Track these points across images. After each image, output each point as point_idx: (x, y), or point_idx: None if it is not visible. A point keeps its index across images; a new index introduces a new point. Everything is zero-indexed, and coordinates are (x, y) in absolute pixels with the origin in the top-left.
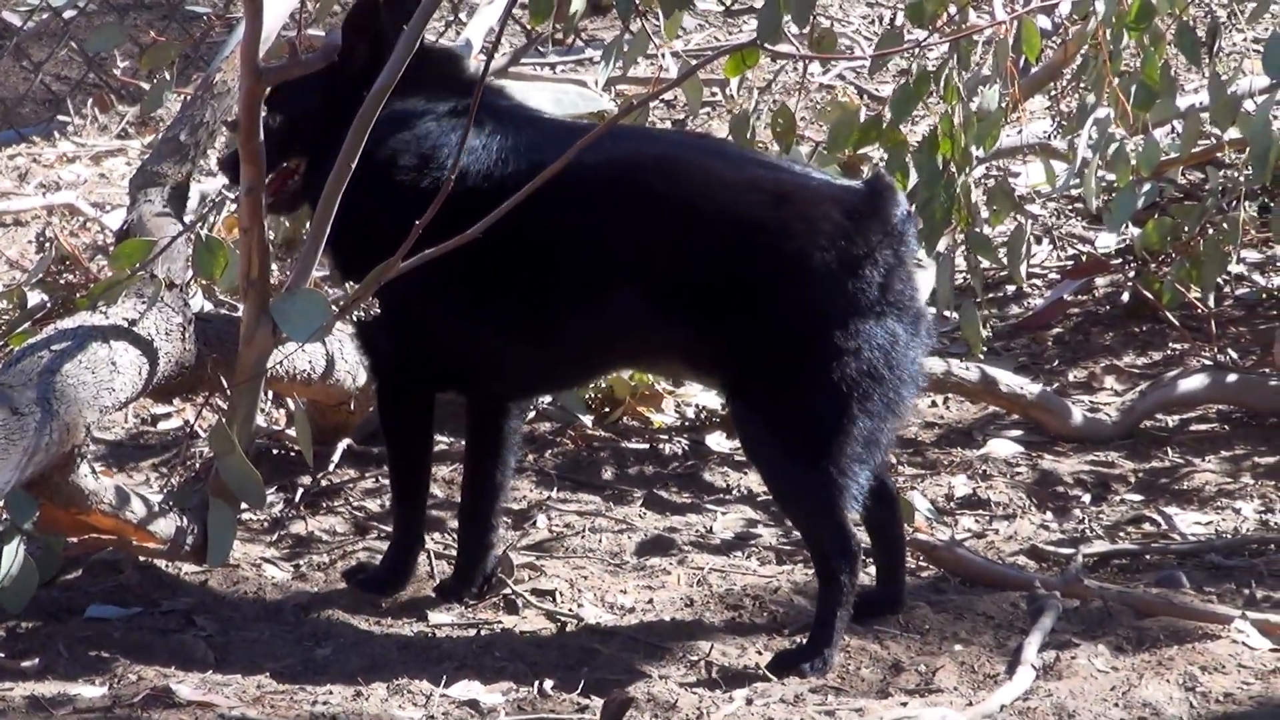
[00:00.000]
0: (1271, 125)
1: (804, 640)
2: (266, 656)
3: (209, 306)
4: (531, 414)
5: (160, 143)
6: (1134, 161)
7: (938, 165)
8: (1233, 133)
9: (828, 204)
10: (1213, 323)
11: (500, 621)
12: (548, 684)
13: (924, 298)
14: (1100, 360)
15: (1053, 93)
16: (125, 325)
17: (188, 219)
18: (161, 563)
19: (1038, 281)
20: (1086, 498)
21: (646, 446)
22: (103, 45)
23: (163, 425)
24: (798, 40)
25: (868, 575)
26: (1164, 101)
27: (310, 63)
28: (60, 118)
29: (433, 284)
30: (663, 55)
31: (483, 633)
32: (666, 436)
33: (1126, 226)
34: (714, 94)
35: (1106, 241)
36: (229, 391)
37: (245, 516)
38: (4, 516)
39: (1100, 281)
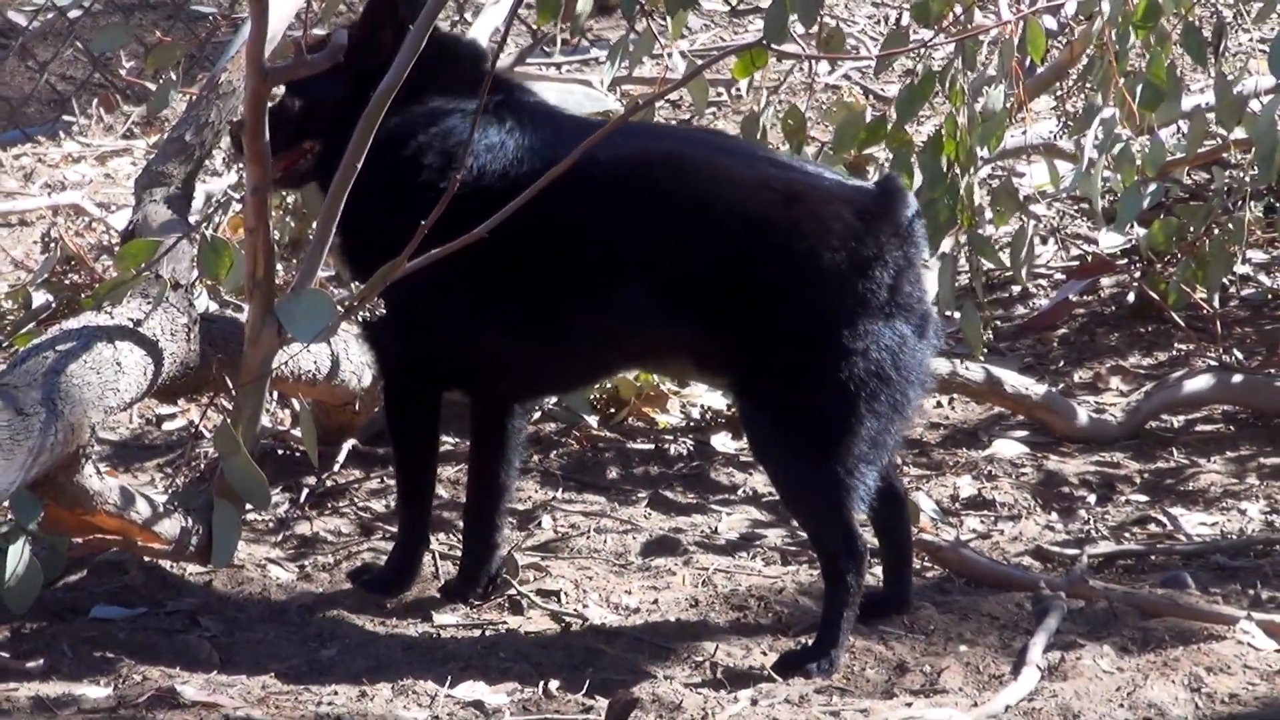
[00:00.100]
0: (1277, 125)
1: (809, 641)
2: (271, 657)
3: (214, 307)
4: (536, 415)
5: (165, 143)
6: (1139, 162)
7: (942, 166)
8: (1238, 133)
9: (839, 204)
10: (1218, 323)
11: (505, 622)
12: (553, 684)
13: (931, 299)
14: (1105, 361)
15: (1058, 93)
16: (130, 326)
17: (193, 219)
18: (166, 563)
19: (1043, 282)
20: (1092, 498)
21: (651, 447)
22: (108, 45)
23: (167, 426)
24: (804, 40)
25: (873, 576)
26: (1170, 102)
27: (316, 62)
28: (65, 117)
29: (441, 283)
30: (668, 55)
31: (488, 633)
32: (671, 437)
33: (1132, 227)
34: (719, 94)
35: (1112, 242)
36: (234, 392)
37: (250, 517)
38: (9, 517)
39: (1106, 282)
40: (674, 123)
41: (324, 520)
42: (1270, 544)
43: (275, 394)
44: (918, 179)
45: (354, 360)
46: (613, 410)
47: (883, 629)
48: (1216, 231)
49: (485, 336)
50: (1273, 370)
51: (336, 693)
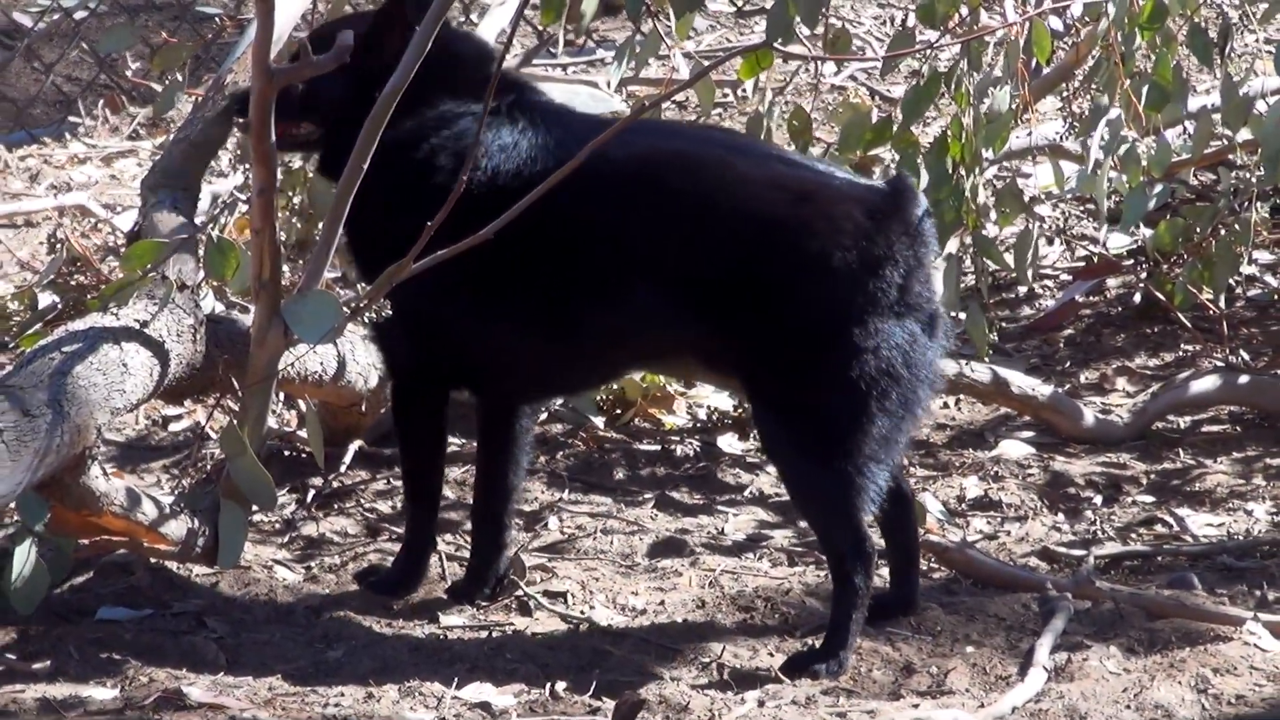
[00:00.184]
0: None
1: (816, 642)
2: (278, 658)
3: (220, 308)
4: (543, 416)
5: (172, 143)
6: (1145, 162)
7: (947, 167)
8: (1245, 134)
9: (850, 203)
10: (1224, 324)
11: (512, 623)
12: (559, 686)
13: (939, 299)
14: (1112, 362)
15: (1064, 94)
16: (136, 327)
17: (199, 220)
18: (172, 564)
19: (1049, 283)
20: (1098, 499)
21: (658, 448)
22: (114, 46)
23: (174, 427)
24: (810, 41)
25: (880, 577)
26: (1175, 102)
27: (323, 63)
28: (71, 119)
29: (450, 283)
30: (674, 56)
31: (494, 634)
32: (678, 438)
33: (1138, 228)
34: (725, 95)
35: (1118, 243)
36: (240, 393)
37: (256, 518)
38: (15, 518)
39: (1112, 283)
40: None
41: (330, 521)
42: (1277, 545)
43: (281, 395)
44: (923, 180)
45: (360, 361)
46: (619, 411)
47: (889, 630)
48: (1223, 232)
49: (494, 336)
50: (1279, 371)
51: (343, 694)
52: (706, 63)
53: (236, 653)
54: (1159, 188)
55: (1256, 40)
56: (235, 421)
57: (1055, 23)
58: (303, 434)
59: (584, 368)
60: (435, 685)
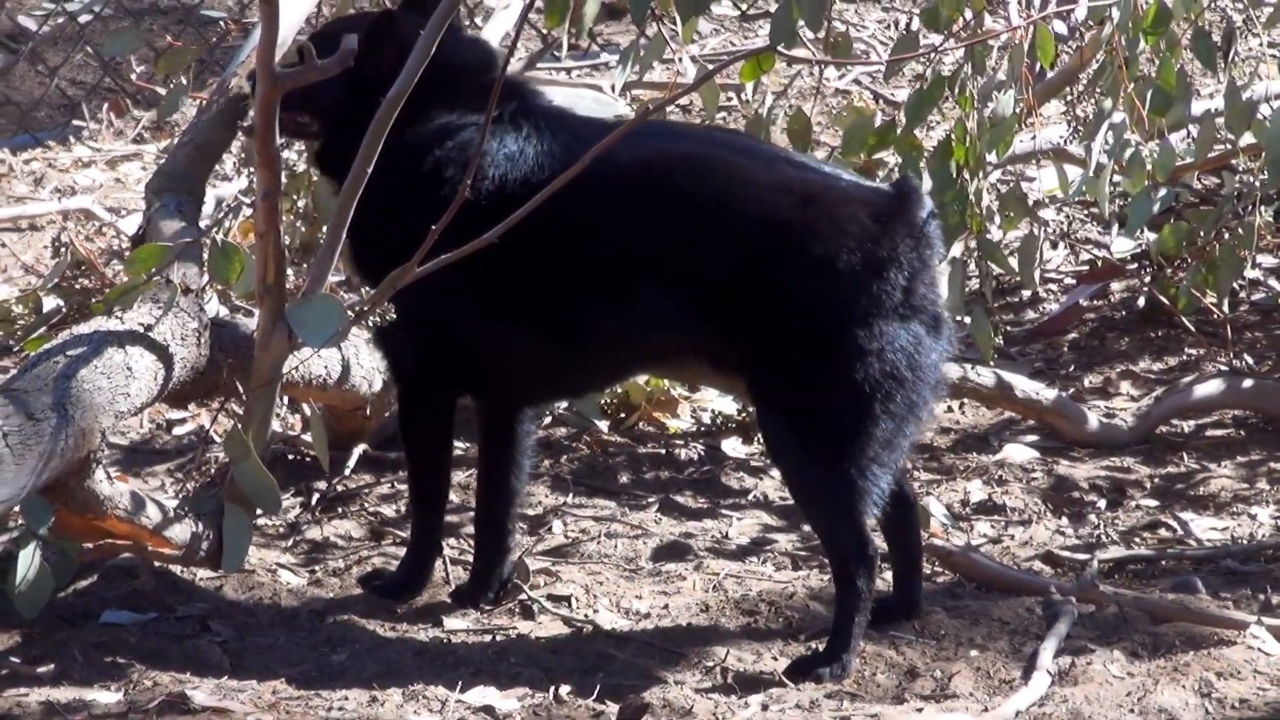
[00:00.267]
0: None
1: (820, 646)
2: (282, 662)
3: (225, 312)
4: (547, 419)
5: (176, 147)
6: (1149, 167)
7: (951, 171)
8: (1248, 138)
9: (855, 206)
10: (1228, 328)
11: (516, 627)
12: (563, 689)
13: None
14: (1116, 365)
15: (1068, 98)
16: (141, 330)
17: (204, 224)
18: (177, 568)
19: (1053, 287)
20: (1102, 503)
21: (662, 452)
22: (118, 50)
23: (178, 430)
24: (814, 45)
25: (884, 581)
26: (1179, 106)
27: (327, 67)
28: (76, 122)
29: (457, 287)
30: (679, 60)
31: (498, 638)
32: (682, 442)
33: (1142, 232)
34: (729, 99)
35: (1122, 247)
36: (245, 397)
37: (261, 522)
38: (20, 522)
39: (1116, 287)
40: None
41: (334, 525)
42: None
43: (286, 399)
44: (927, 183)
45: (365, 365)
46: (623, 415)
47: (893, 634)
48: (1227, 236)
49: (501, 340)
50: None
51: (347, 698)
52: (711, 66)
53: (240, 656)
54: (1163, 192)
55: (1260, 44)
56: (239, 425)
57: (1059, 27)
58: (307, 438)
59: (590, 370)
60: (439, 689)
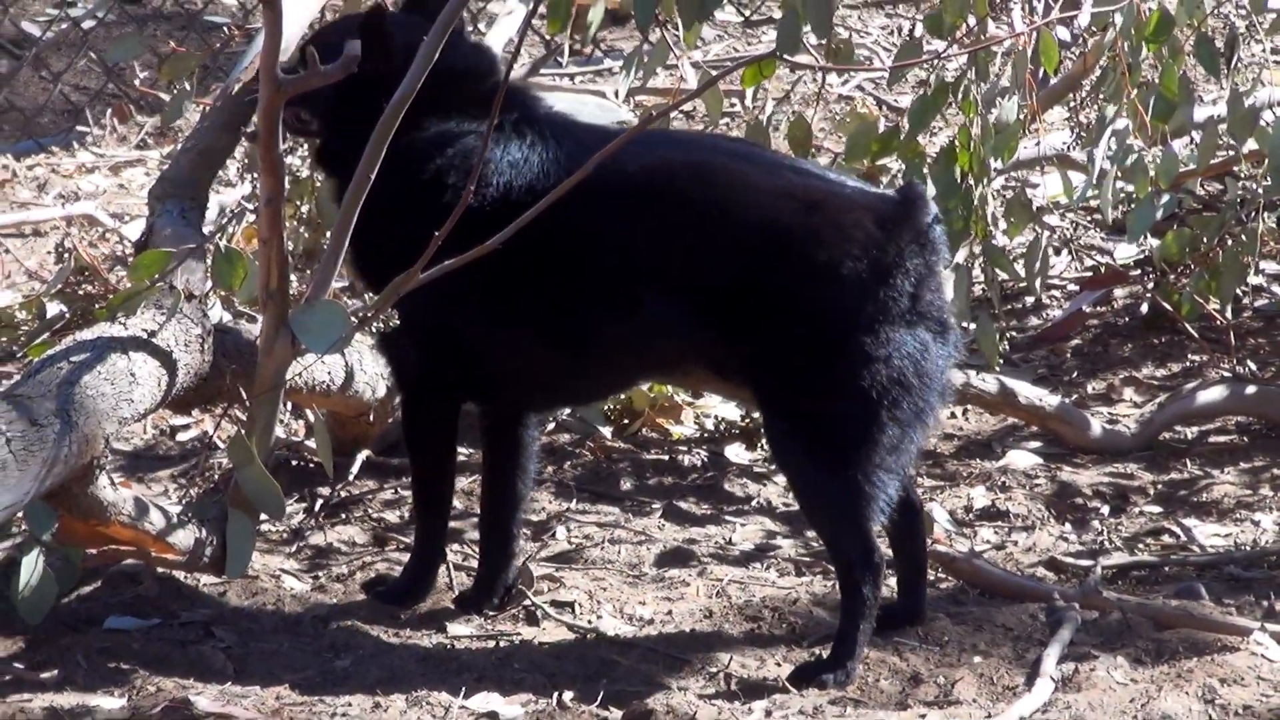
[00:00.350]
0: None
1: (823, 652)
2: (285, 668)
3: (228, 317)
4: (550, 426)
5: (179, 153)
6: (1152, 173)
7: (955, 177)
8: (1251, 144)
9: (860, 212)
10: (1231, 334)
11: (519, 633)
12: (567, 695)
13: (950, 308)
14: (1119, 372)
15: (1071, 104)
16: (144, 336)
17: (207, 229)
18: (180, 574)
19: (1056, 293)
20: (1105, 509)
21: (666, 458)
22: (122, 55)
23: (181, 436)
24: (816, 51)
25: (888, 587)
26: (1182, 113)
27: (330, 73)
28: (79, 128)
29: (461, 293)
30: (682, 66)
31: (502, 644)
32: (685, 448)
33: (1145, 238)
34: (733, 104)
35: (1125, 253)
36: (248, 402)
37: (264, 528)
38: (23, 528)
39: (1119, 293)
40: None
41: (338, 531)
42: None
43: (289, 405)
44: (931, 190)
45: (368, 371)
46: (627, 421)
47: (897, 640)
48: (1230, 242)
49: (505, 346)
50: None
51: (350, 704)
52: (714, 72)
53: (244, 662)
54: (1166, 198)
55: (1263, 50)
56: (243, 431)
57: (1062, 33)
58: (310, 443)
59: (593, 377)
60: (443, 695)
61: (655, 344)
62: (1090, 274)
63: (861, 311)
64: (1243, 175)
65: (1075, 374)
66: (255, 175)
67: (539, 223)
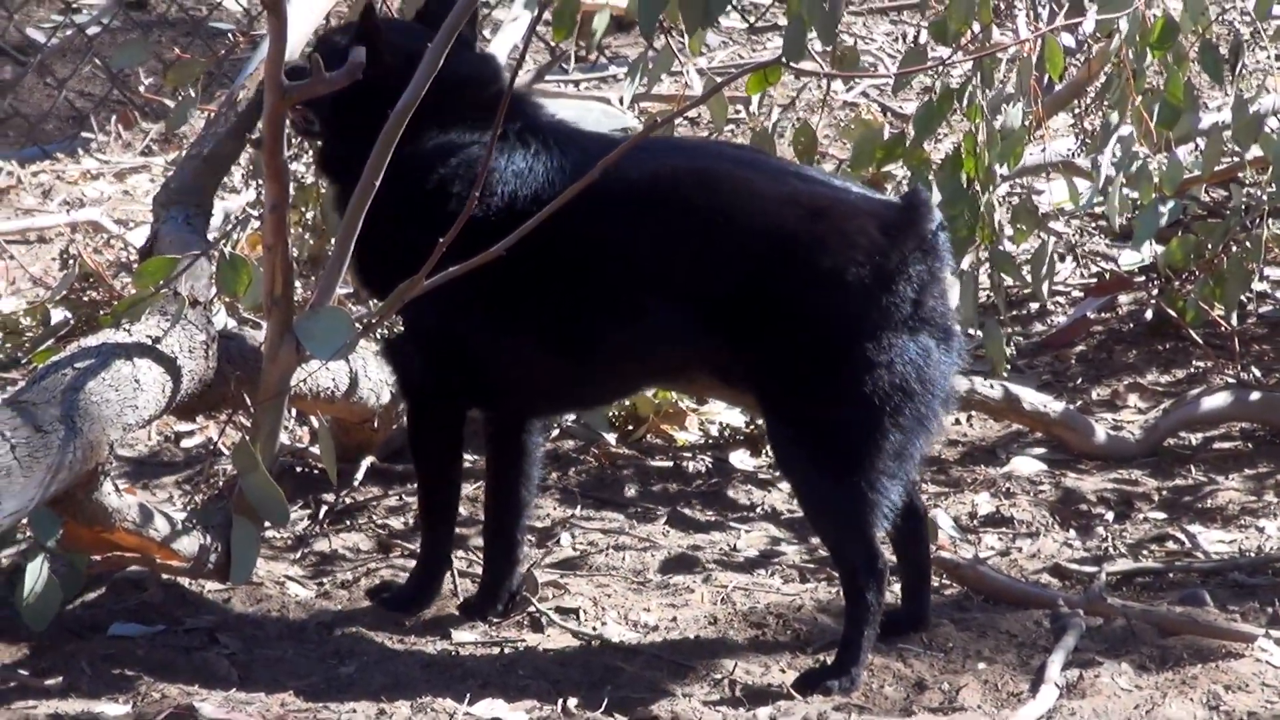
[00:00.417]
0: None
1: (828, 658)
2: (290, 675)
3: (232, 324)
4: (555, 432)
5: (184, 160)
6: (1157, 179)
7: (961, 183)
8: (1255, 150)
9: (864, 218)
10: (1236, 340)
11: (524, 640)
12: (571, 702)
13: (954, 314)
14: (1123, 378)
15: (1076, 111)
16: (149, 343)
17: (211, 236)
18: (185, 580)
19: (1061, 299)
20: (1110, 516)
21: (670, 464)
22: (127, 62)
23: (186, 443)
24: (821, 58)
25: (892, 594)
26: (1187, 119)
27: (334, 79)
28: (84, 134)
29: (466, 300)
30: (687, 72)
31: (506, 651)
32: (690, 454)
33: (1150, 244)
34: (738, 111)
35: (1130, 259)
36: (252, 409)
37: (268, 534)
38: (28, 534)
39: (1124, 299)
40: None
41: (342, 537)
42: None
43: (294, 411)
44: (936, 196)
45: (372, 378)
46: (631, 428)
47: (901, 646)
48: (1234, 249)
49: (509, 353)
50: None
51: (355, 710)
52: (719, 79)
53: (248, 669)
54: (1170, 204)
55: (1268, 57)
56: (247, 438)
57: (1067, 40)
58: (315, 450)
59: (598, 383)
60: (447, 701)
61: (660, 350)
62: (1095, 280)
63: (865, 318)
64: (1247, 182)
65: (1080, 380)
66: (260, 182)
67: (544, 230)
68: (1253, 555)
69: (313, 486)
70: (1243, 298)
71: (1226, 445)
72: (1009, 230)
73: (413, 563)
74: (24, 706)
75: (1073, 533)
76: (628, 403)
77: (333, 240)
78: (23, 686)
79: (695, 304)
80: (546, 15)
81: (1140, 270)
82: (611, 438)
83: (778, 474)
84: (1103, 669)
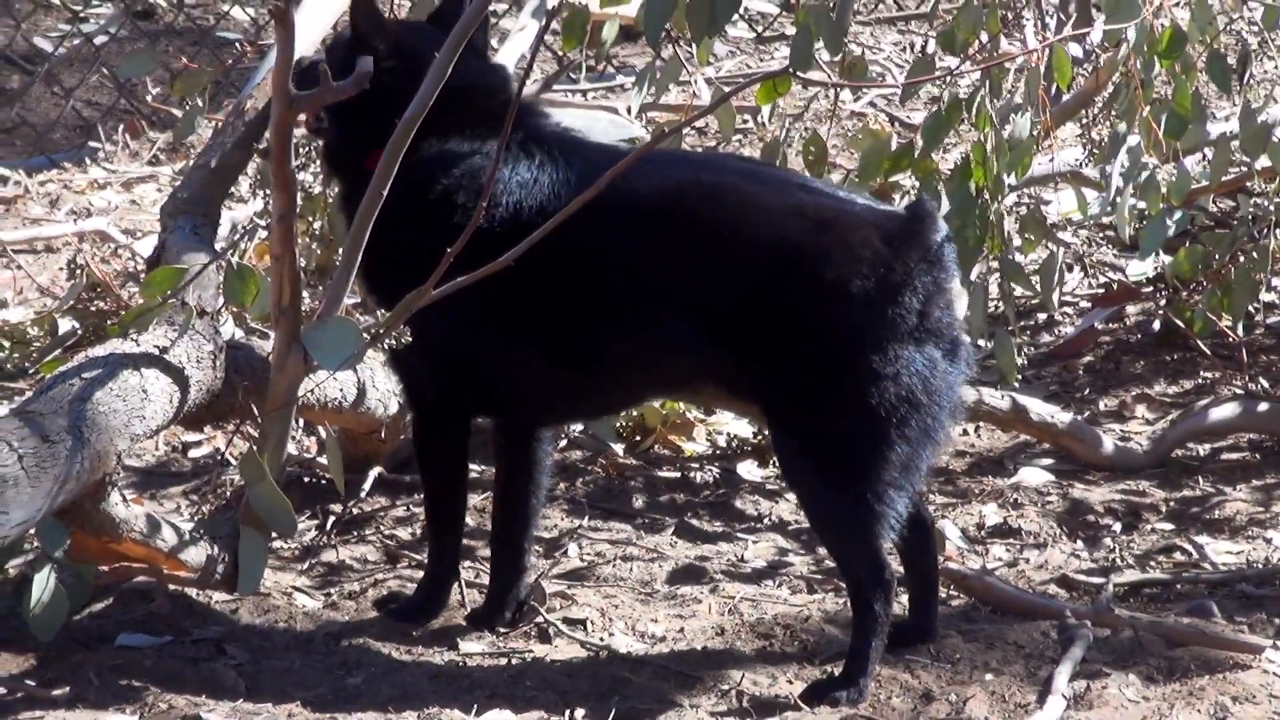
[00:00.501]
0: None
1: (835, 669)
2: (297, 685)
3: (240, 334)
4: (563, 442)
5: (191, 169)
6: (1165, 189)
7: (970, 193)
8: (1263, 160)
9: (868, 230)
10: (1244, 351)
11: (531, 650)
12: (579, 713)
13: (961, 325)
14: (1131, 389)
15: (1084, 121)
16: (156, 353)
17: (219, 246)
18: (192, 591)
19: (1069, 310)
20: (1117, 527)
21: (678, 475)
22: (134, 71)
23: (193, 453)
24: (830, 68)
25: (899, 604)
26: (1194, 129)
27: (341, 89)
28: (91, 144)
29: (473, 312)
30: (694, 82)
31: (514, 661)
32: (698, 465)
33: (1157, 254)
34: (745, 121)
35: (1137, 270)
36: (260, 419)
37: (276, 545)
38: (35, 544)
39: (1131, 310)
40: (700, 149)
41: (350, 548)
42: None
43: (301, 421)
44: (945, 206)
45: (380, 388)
46: (639, 438)
47: (909, 657)
48: (1242, 259)
49: (516, 364)
50: None
51: None
52: (727, 89)
53: (256, 679)
54: (1178, 215)
55: (1275, 67)
56: (255, 448)
57: (1075, 49)
58: (322, 460)
59: (604, 394)
60: (455, 712)
61: (666, 362)
62: (1103, 291)
63: (870, 329)
64: (1255, 192)
65: (1087, 391)
66: (267, 191)
67: (549, 242)
68: (1260, 566)
69: (320, 497)
70: (1250, 308)
71: (1234, 456)
72: (1017, 240)
73: (420, 573)
74: (31, 717)
75: (1080, 544)
76: (635, 413)
77: (340, 251)
78: (30, 697)
79: (701, 316)
80: (554, 25)
81: (1148, 281)
82: (619, 448)
83: (785, 485)
84: (1110, 680)
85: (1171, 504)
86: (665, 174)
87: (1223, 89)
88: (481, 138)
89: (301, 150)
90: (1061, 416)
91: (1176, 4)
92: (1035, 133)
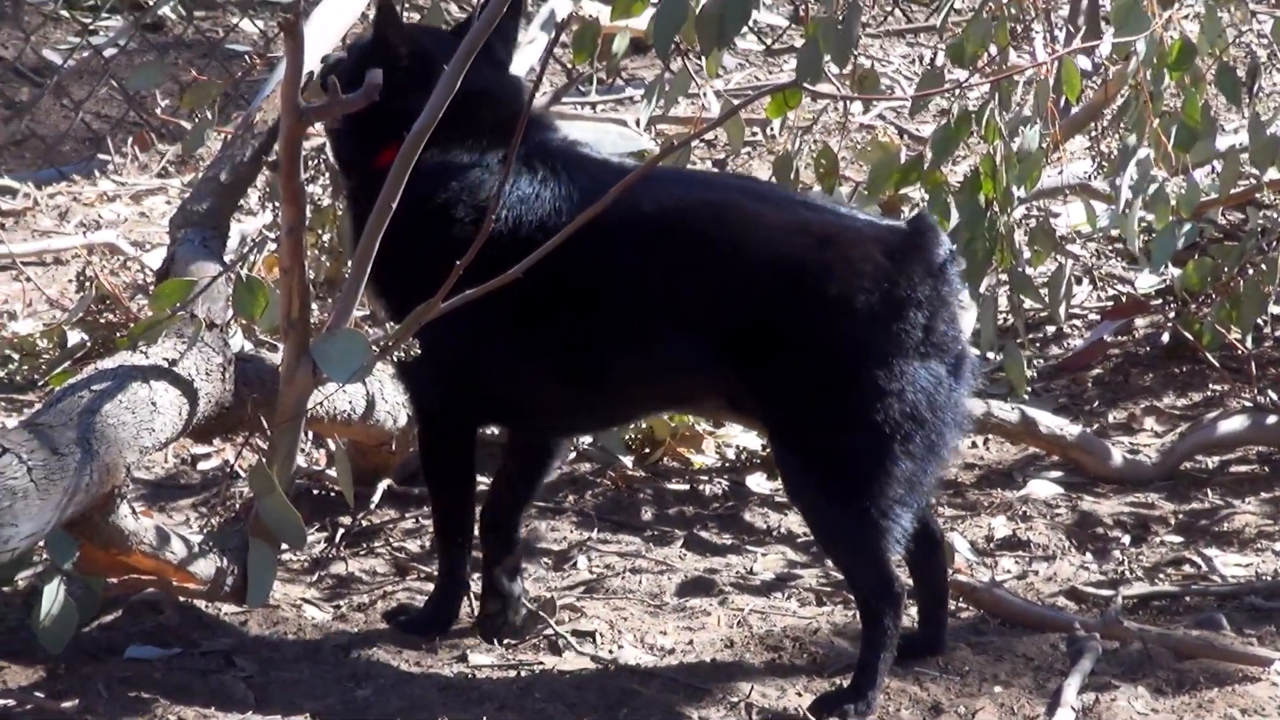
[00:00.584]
0: None
1: (844, 682)
2: (306, 697)
3: (249, 346)
4: (572, 455)
5: (201, 182)
6: (1174, 202)
7: (980, 205)
8: (1272, 173)
9: (870, 245)
10: (1253, 364)
11: (541, 662)
12: None
13: (967, 339)
14: (1140, 401)
15: (1093, 133)
16: (165, 365)
17: (228, 258)
18: (201, 603)
19: (1077, 322)
20: (1126, 539)
21: (687, 487)
22: (143, 84)
23: (203, 465)
24: (839, 80)
25: (908, 617)
26: (1204, 142)
27: (351, 101)
28: (100, 156)
29: (480, 326)
30: (704, 94)
31: (523, 674)
32: (707, 477)
33: (1166, 267)
34: (754, 133)
35: (1146, 282)
36: (269, 432)
37: (285, 557)
38: (44, 557)
39: (1140, 322)
40: (709, 163)
41: (359, 560)
42: None
43: (310, 434)
44: (954, 218)
45: (389, 400)
46: (648, 451)
47: (918, 670)
48: (1251, 272)
49: (524, 379)
50: None
51: None
52: (736, 101)
53: (265, 691)
54: (1187, 227)
55: None
56: (264, 460)
57: (1084, 62)
58: (331, 473)
59: (608, 408)
60: None
61: (669, 378)
62: (1111, 303)
63: (873, 345)
64: (1264, 204)
65: (1096, 403)
66: (277, 204)
67: (554, 258)
68: (1269, 579)
69: (329, 509)
70: (1259, 321)
71: (1243, 469)
72: (1026, 253)
73: (430, 585)
74: None
75: (1089, 556)
76: (644, 425)
77: (349, 262)
78: (39, 710)
79: (704, 333)
80: (564, 37)
81: (1157, 293)
82: (628, 461)
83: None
84: (1119, 693)
85: (1180, 516)
86: (668, 191)
87: (1232, 101)
88: (485, 148)
89: (311, 163)
90: (1070, 429)
91: (1186, 17)
92: (1044, 145)
